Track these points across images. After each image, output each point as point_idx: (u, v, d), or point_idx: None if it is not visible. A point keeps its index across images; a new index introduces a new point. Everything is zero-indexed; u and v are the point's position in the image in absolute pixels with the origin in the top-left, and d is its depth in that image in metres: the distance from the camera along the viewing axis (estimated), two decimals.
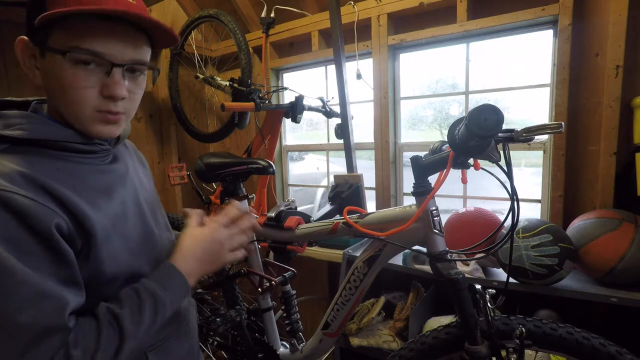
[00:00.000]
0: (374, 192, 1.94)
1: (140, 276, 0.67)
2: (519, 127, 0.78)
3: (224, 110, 1.46)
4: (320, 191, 3.09)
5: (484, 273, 1.36)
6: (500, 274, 1.36)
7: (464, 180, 0.89)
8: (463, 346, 0.91)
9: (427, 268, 1.36)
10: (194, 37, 2.11)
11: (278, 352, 1.37)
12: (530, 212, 1.67)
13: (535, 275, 1.18)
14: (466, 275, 1.06)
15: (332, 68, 1.89)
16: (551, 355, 1.19)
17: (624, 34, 1.27)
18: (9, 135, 0.60)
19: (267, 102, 1.67)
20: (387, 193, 1.90)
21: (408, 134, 2.03)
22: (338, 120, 1.84)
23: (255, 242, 1.35)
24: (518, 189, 0.83)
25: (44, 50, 0.61)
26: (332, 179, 2.03)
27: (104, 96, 0.62)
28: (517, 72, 1.65)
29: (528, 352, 1.23)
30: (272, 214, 1.27)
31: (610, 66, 1.30)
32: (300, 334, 1.37)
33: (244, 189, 1.33)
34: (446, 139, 0.86)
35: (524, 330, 0.85)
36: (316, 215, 1.36)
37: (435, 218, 0.94)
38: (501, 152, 0.81)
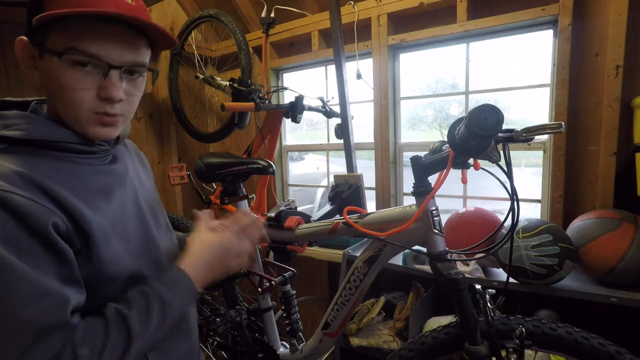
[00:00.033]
0: (374, 192, 1.94)
1: (140, 277, 0.67)
2: (519, 127, 0.78)
3: (224, 110, 1.46)
4: (320, 191, 3.09)
5: (484, 273, 1.36)
6: (500, 274, 1.36)
7: (464, 180, 0.89)
8: (462, 346, 0.91)
9: (427, 268, 1.36)
10: (194, 37, 2.11)
11: (278, 352, 1.37)
12: (530, 212, 1.67)
13: (535, 275, 1.18)
14: (466, 275, 1.06)
15: (332, 68, 1.89)
16: (551, 355, 1.19)
17: (624, 34, 1.27)
18: (8, 135, 0.60)
19: (267, 102, 1.67)
20: (387, 193, 1.90)
21: (408, 134, 2.03)
22: (338, 120, 1.84)
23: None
24: (518, 189, 0.83)
25: (42, 51, 0.61)
26: (332, 179, 2.03)
27: (101, 98, 0.62)
28: (517, 72, 1.65)
29: (528, 352, 1.23)
30: (272, 214, 1.27)
31: (610, 66, 1.30)
32: (300, 334, 1.37)
33: (244, 189, 1.33)
34: (446, 139, 0.86)
35: (523, 330, 0.85)
36: (316, 215, 1.36)
37: (435, 218, 0.94)
38: (501, 152, 0.81)
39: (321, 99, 1.82)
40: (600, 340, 0.84)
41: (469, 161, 0.86)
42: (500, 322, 0.91)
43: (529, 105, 1.67)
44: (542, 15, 1.42)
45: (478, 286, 0.94)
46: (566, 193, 1.46)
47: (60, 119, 0.65)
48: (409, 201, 1.37)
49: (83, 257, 0.60)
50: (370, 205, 1.81)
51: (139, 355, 0.62)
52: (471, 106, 1.29)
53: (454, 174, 0.89)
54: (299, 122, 1.71)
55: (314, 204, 3.03)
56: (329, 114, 1.83)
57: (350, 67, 1.85)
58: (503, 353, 0.89)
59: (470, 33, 1.61)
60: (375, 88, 1.87)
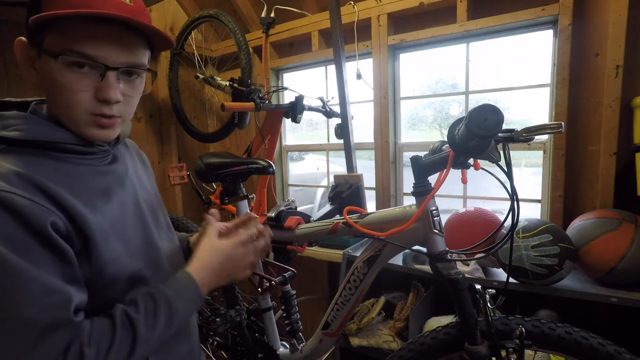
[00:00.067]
0: (374, 192, 1.94)
1: (139, 277, 0.67)
2: (519, 127, 0.78)
3: (224, 110, 1.46)
4: (320, 191, 3.09)
5: (484, 273, 1.36)
6: (500, 274, 1.36)
7: (464, 180, 0.89)
8: (462, 346, 0.91)
9: (427, 268, 1.36)
10: (194, 37, 2.11)
11: (278, 352, 1.37)
12: (530, 212, 1.67)
13: (535, 275, 1.18)
14: (466, 275, 1.06)
15: (332, 68, 1.89)
16: (551, 355, 1.19)
17: (624, 34, 1.27)
18: (6, 136, 0.60)
19: (267, 102, 1.67)
20: (387, 193, 1.90)
21: (408, 134, 2.03)
22: (338, 120, 1.84)
23: None
24: (518, 189, 0.83)
25: (40, 52, 0.61)
26: (332, 179, 2.03)
27: (98, 100, 0.62)
28: (517, 72, 1.65)
29: (527, 352, 1.23)
30: (272, 214, 1.27)
31: (610, 66, 1.30)
32: (300, 334, 1.37)
33: (244, 189, 1.33)
34: (446, 139, 0.86)
35: (523, 330, 0.85)
36: (316, 215, 1.36)
37: (435, 218, 0.94)
38: (501, 152, 0.81)
39: (321, 99, 1.82)
40: (599, 340, 0.84)
41: (469, 161, 0.86)
42: (499, 322, 0.91)
43: (529, 105, 1.67)
44: (542, 15, 1.42)
45: (478, 286, 0.94)
46: (566, 193, 1.46)
47: (59, 119, 0.65)
48: (409, 201, 1.37)
49: (83, 258, 0.60)
50: (370, 205, 1.81)
51: (141, 357, 0.62)
52: (471, 106, 1.29)
53: (454, 174, 0.89)
54: (299, 122, 1.71)
55: (314, 204, 3.03)
56: (329, 114, 1.83)
57: (350, 67, 1.85)
58: (503, 353, 0.89)
59: (470, 33, 1.61)
60: (375, 88, 1.87)
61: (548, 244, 1.17)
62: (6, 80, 1.71)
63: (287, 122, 2.27)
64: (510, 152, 0.81)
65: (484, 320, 0.90)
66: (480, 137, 0.74)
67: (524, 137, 0.77)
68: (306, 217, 1.29)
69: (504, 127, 0.75)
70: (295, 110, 1.66)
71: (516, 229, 1.21)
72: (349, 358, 1.64)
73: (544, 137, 1.55)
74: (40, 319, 0.52)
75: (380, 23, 1.78)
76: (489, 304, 0.91)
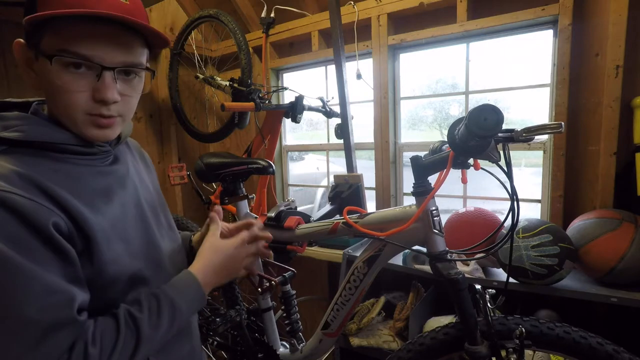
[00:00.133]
0: (374, 192, 1.94)
1: (140, 278, 0.67)
2: (519, 127, 0.78)
3: (224, 110, 1.46)
4: (320, 191, 3.09)
5: (484, 273, 1.36)
6: (500, 274, 1.36)
7: (464, 180, 0.89)
8: (461, 346, 0.91)
9: (427, 268, 1.36)
10: (194, 37, 2.11)
11: (278, 352, 1.36)
12: (530, 212, 1.67)
13: (535, 275, 1.18)
14: (466, 275, 1.06)
15: (332, 68, 1.89)
16: (551, 355, 1.19)
17: (624, 34, 1.27)
18: (7, 137, 0.60)
19: (267, 102, 1.67)
20: (387, 193, 1.90)
21: (408, 134, 2.03)
22: (338, 120, 1.84)
23: None
24: (518, 189, 0.83)
25: (37, 53, 0.61)
26: (332, 179, 2.03)
27: (96, 100, 0.61)
28: (517, 72, 1.65)
29: (526, 352, 1.23)
30: (272, 214, 1.27)
31: (610, 66, 1.30)
32: (300, 334, 1.37)
33: (244, 189, 1.33)
34: (446, 139, 0.86)
35: (523, 330, 0.85)
36: (316, 215, 1.36)
37: (435, 218, 0.94)
38: (501, 152, 0.81)
39: (321, 99, 1.82)
40: (598, 339, 0.84)
41: (469, 161, 0.86)
42: (497, 322, 0.91)
43: (529, 105, 1.67)
44: (542, 15, 1.42)
45: (478, 286, 0.95)
46: (566, 193, 1.46)
47: (59, 120, 0.64)
48: (409, 201, 1.37)
49: (84, 258, 0.60)
50: (370, 205, 1.81)
51: (144, 357, 0.62)
52: (471, 106, 1.29)
53: (454, 174, 0.89)
54: (299, 122, 1.71)
55: (314, 204, 3.03)
56: (329, 114, 1.83)
57: (350, 67, 1.85)
58: (503, 353, 0.89)
59: (470, 33, 1.61)
60: (375, 88, 1.87)
61: (548, 244, 1.17)
62: (6, 81, 1.71)
63: (287, 122, 2.27)
64: (510, 152, 0.81)
65: (484, 320, 0.90)
66: (480, 137, 0.74)
67: (524, 137, 0.77)
68: (306, 217, 1.29)
69: (504, 127, 0.75)
70: (295, 110, 1.66)
71: (516, 229, 1.21)
72: (349, 358, 1.64)
73: (544, 137, 1.55)
74: (42, 319, 0.52)
75: (380, 23, 1.78)
76: (489, 304, 0.91)
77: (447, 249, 0.95)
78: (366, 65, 1.89)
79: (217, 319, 1.32)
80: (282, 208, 1.28)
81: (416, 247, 1.03)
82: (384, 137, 1.87)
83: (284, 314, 1.36)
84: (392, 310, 1.63)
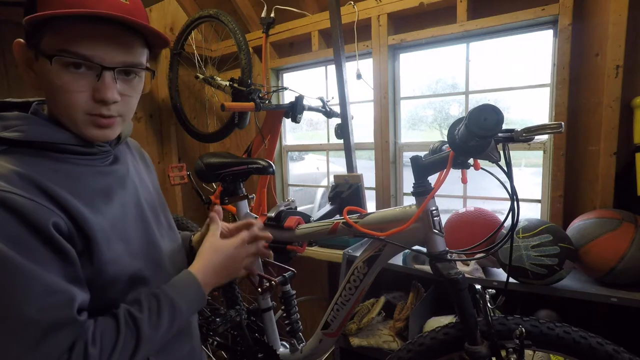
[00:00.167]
0: (374, 192, 1.94)
1: (140, 278, 0.67)
2: (519, 127, 0.78)
3: (224, 110, 1.46)
4: (320, 191, 3.09)
5: (484, 273, 1.36)
6: (500, 274, 1.36)
7: (464, 180, 0.89)
8: (461, 346, 0.91)
9: (427, 268, 1.36)
10: (194, 37, 2.11)
11: (278, 352, 1.37)
12: (530, 212, 1.67)
13: (535, 275, 1.18)
14: (466, 275, 1.06)
15: (332, 68, 1.89)
16: (551, 355, 1.19)
17: (624, 34, 1.27)
18: (7, 137, 0.60)
19: (267, 102, 1.67)
20: (387, 193, 1.90)
21: (408, 134, 2.03)
22: (338, 120, 1.84)
23: None
24: (518, 189, 0.83)
25: (37, 53, 0.61)
26: (332, 179, 2.03)
27: (95, 100, 0.61)
28: (517, 72, 1.65)
29: (526, 352, 1.23)
30: (272, 214, 1.27)
31: (610, 66, 1.30)
32: (300, 334, 1.37)
33: (244, 189, 1.33)
34: (446, 139, 0.86)
35: (524, 330, 0.85)
36: (316, 215, 1.36)
37: (435, 218, 0.94)
38: (501, 152, 0.81)
39: (321, 99, 1.82)
40: (598, 339, 0.84)
41: (469, 161, 0.86)
42: (497, 322, 0.91)
43: (529, 105, 1.67)
44: (542, 15, 1.42)
45: (478, 286, 0.95)
46: (566, 193, 1.46)
47: (59, 120, 0.64)
48: (409, 201, 1.37)
49: (84, 258, 0.60)
50: (370, 205, 1.81)
51: (144, 357, 0.62)
52: (471, 106, 1.29)
53: (454, 174, 0.89)
54: (299, 122, 1.71)
55: (314, 204, 3.03)
56: (329, 114, 1.83)
57: (350, 67, 1.85)
58: (503, 353, 0.89)
59: (470, 33, 1.61)
60: (375, 88, 1.87)
61: (548, 244, 1.17)
62: (6, 81, 1.71)
63: (287, 122, 2.27)
64: (510, 152, 0.81)
65: (484, 320, 0.90)
66: (480, 137, 0.74)
67: (524, 137, 0.77)
68: (306, 217, 1.29)
69: (504, 127, 0.75)
70: (295, 110, 1.66)
71: (516, 229, 1.21)
72: (349, 358, 1.64)
73: (544, 137, 1.55)
74: (42, 319, 0.52)
75: (380, 23, 1.78)
76: (489, 304, 0.91)
77: (447, 249, 0.95)
78: (366, 65, 1.89)
79: (217, 319, 1.32)
80: (282, 208, 1.28)
81: (416, 247, 1.03)
82: (384, 137, 1.87)
83: (284, 314, 1.36)
84: (392, 310, 1.63)
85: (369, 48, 1.85)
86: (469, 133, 0.75)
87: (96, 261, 0.61)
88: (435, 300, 1.52)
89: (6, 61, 1.70)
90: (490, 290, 0.94)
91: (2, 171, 0.56)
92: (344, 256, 1.60)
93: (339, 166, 2.47)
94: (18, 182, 0.55)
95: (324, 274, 2.18)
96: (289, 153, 2.39)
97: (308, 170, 3.15)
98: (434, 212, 0.94)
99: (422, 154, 0.94)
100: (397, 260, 1.51)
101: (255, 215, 1.47)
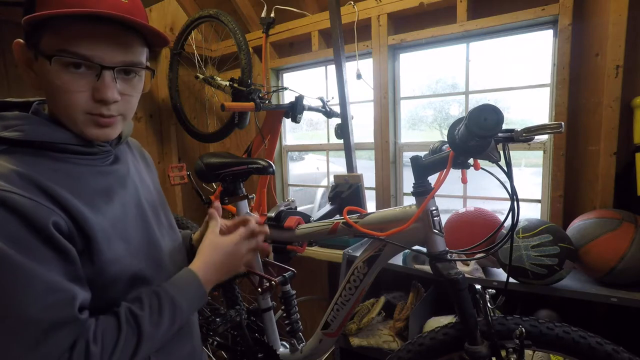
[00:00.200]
0: (374, 192, 1.94)
1: (141, 277, 0.67)
2: (519, 127, 0.78)
3: (224, 110, 1.46)
4: (320, 191, 3.09)
5: (484, 273, 1.36)
6: (500, 274, 1.36)
7: (464, 180, 0.89)
8: (461, 346, 0.91)
9: (427, 268, 1.36)
10: (194, 37, 2.11)
11: (278, 352, 1.37)
12: (530, 212, 1.67)
13: (535, 275, 1.18)
14: (466, 275, 1.06)
15: (332, 68, 1.89)
16: (551, 355, 1.19)
17: (624, 34, 1.27)
18: (7, 136, 0.60)
19: (267, 102, 1.67)
20: (387, 193, 1.90)
21: (408, 134, 2.03)
22: (338, 120, 1.84)
23: None
24: (518, 189, 0.83)
25: (37, 53, 0.61)
26: (332, 179, 2.03)
27: (95, 100, 0.61)
28: (517, 72, 1.65)
29: (526, 352, 1.23)
30: (272, 214, 1.27)
31: (610, 66, 1.30)
32: (300, 334, 1.37)
33: (244, 189, 1.33)
34: (446, 139, 0.86)
35: (523, 330, 0.85)
36: (316, 215, 1.36)
37: (435, 218, 0.94)
38: (501, 152, 0.81)
39: (321, 99, 1.82)
40: (597, 339, 0.84)
41: (469, 161, 0.86)
42: (496, 322, 0.91)
43: (529, 105, 1.67)
44: (542, 15, 1.42)
45: (478, 286, 0.95)
46: (566, 193, 1.46)
47: (59, 120, 0.64)
48: (409, 201, 1.37)
49: (85, 258, 0.60)
50: (370, 205, 1.81)
51: (145, 355, 0.62)
52: (471, 106, 1.29)
53: (454, 174, 0.89)
54: (299, 122, 1.71)
55: (314, 204, 3.03)
56: (329, 114, 1.83)
57: (350, 67, 1.85)
58: (503, 353, 0.89)
59: (470, 33, 1.61)
60: (375, 88, 1.87)
61: (548, 244, 1.17)
62: (6, 80, 1.71)
63: (287, 122, 2.27)
64: (510, 152, 0.81)
65: (484, 320, 0.90)
66: (480, 137, 0.74)
67: (524, 137, 0.77)
68: (306, 217, 1.29)
69: (504, 127, 0.75)
70: (295, 110, 1.66)
71: (516, 229, 1.21)
72: (349, 358, 1.64)
73: (544, 137, 1.55)
74: (43, 318, 0.52)
75: (380, 23, 1.78)
76: (489, 304, 0.91)
77: (447, 249, 0.95)
78: (366, 65, 1.89)
79: (217, 319, 1.32)
80: (282, 208, 1.28)
81: (416, 247, 1.03)
82: (384, 137, 1.87)
83: (284, 314, 1.36)
84: (392, 310, 1.63)
85: (369, 48, 1.85)
86: (469, 133, 0.75)
87: (97, 261, 0.61)
88: (435, 300, 1.52)
89: (6, 61, 1.70)
90: (490, 290, 0.94)
91: (2, 171, 0.56)
92: (344, 256, 1.60)
93: (339, 166, 2.47)
94: (18, 182, 0.55)
95: (324, 274, 2.18)
96: (289, 153, 2.39)
97: (308, 170, 3.15)
98: (434, 212, 0.94)
99: (422, 154, 0.94)
100: (397, 260, 1.51)
101: (250, 217, 1.47)
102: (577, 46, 1.39)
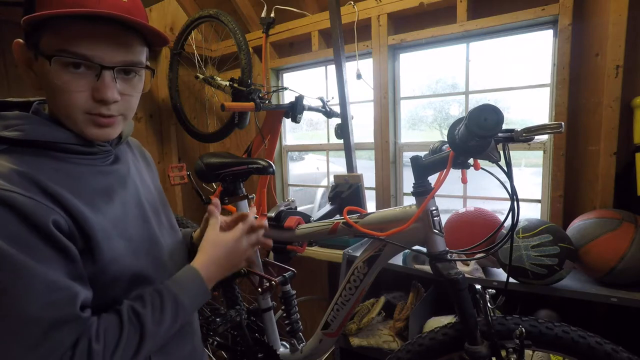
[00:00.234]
0: (374, 192, 1.94)
1: (142, 276, 0.68)
2: (519, 127, 0.78)
3: (224, 110, 1.46)
4: (320, 191, 3.09)
5: (484, 273, 1.36)
6: (500, 274, 1.36)
7: (464, 180, 0.89)
8: (461, 347, 0.91)
9: (427, 268, 1.36)
10: (194, 37, 2.11)
11: (278, 352, 1.36)
12: (530, 212, 1.67)
13: (535, 275, 1.18)
14: (466, 275, 1.06)
15: (332, 68, 1.89)
16: (551, 355, 1.19)
17: (624, 34, 1.27)
18: (7, 136, 0.60)
19: (267, 102, 1.67)
20: (387, 193, 1.90)
21: (408, 134, 2.03)
22: (338, 120, 1.84)
23: None
24: (518, 189, 0.83)
25: (37, 53, 0.61)
26: (332, 179, 2.03)
27: (95, 100, 0.61)
28: (517, 72, 1.65)
29: (526, 352, 1.23)
30: (272, 214, 1.27)
31: (610, 66, 1.30)
32: (300, 334, 1.37)
33: (244, 189, 1.33)
34: (446, 139, 0.86)
35: (523, 330, 0.85)
36: (316, 215, 1.36)
37: (435, 218, 0.94)
38: (501, 152, 0.81)
39: (321, 99, 1.82)
40: (597, 339, 0.84)
41: (469, 161, 0.86)
42: (498, 322, 0.91)
43: (529, 105, 1.67)
44: (542, 15, 1.42)
45: (478, 286, 0.95)
46: (566, 193, 1.46)
47: (59, 119, 0.64)
48: (409, 201, 1.37)
49: (85, 257, 0.60)
50: (370, 205, 1.81)
51: (148, 353, 0.62)
52: (471, 106, 1.29)
53: (454, 174, 0.89)
54: (299, 122, 1.71)
55: (314, 204, 3.03)
56: (329, 114, 1.83)
57: (350, 67, 1.85)
58: (503, 353, 0.89)
59: (470, 33, 1.61)
60: (375, 88, 1.87)
61: (548, 244, 1.17)
62: (6, 80, 1.71)
63: (287, 122, 2.27)
64: (510, 152, 0.81)
65: (484, 320, 0.90)
66: (480, 137, 0.74)
67: (524, 137, 0.77)
68: (306, 217, 1.29)
69: (504, 127, 0.75)
70: (295, 110, 1.66)
71: (516, 229, 1.21)
72: (349, 358, 1.64)
73: (544, 137, 1.55)
74: (44, 316, 0.52)
75: (380, 23, 1.78)
76: (489, 304, 0.91)
77: (447, 249, 0.95)
78: (366, 65, 1.89)
79: (217, 319, 1.32)
80: (282, 208, 1.28)
81: (416, 247, 1.03)
82: (384, 137, 1.87)
83: (284, 314, 1.36)
84: (392, 310, 1.63)
85: (369, 48, 1.85)
86: (469, 133, 0.75)
87: (97, 260, 0.61)
88: (435, 300, 1.52)
89: (6, 61, 1.70)
90: (490, 290, 0.94)
91: (2, 170, 0.56)
92: (344, 256, 1.60)
93: (339, 166, 2.47)
94: (18, 181, 0.56)
95: (324, 274, 2.18)
96: (289, 153, 2.39)
97: (308, 170, 3.15)
98: (434, 212, 0.94)
99: (422, 154, 0.94)
100: (397, 260, 1.51)
101: (256, 216, 1.47)
102: (577, 46, 1.39)
